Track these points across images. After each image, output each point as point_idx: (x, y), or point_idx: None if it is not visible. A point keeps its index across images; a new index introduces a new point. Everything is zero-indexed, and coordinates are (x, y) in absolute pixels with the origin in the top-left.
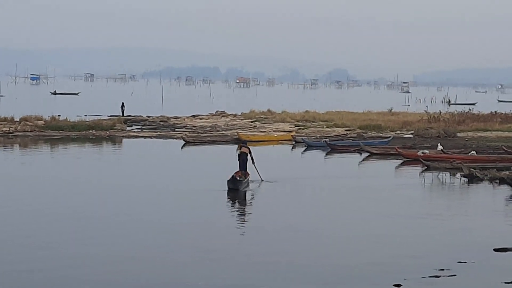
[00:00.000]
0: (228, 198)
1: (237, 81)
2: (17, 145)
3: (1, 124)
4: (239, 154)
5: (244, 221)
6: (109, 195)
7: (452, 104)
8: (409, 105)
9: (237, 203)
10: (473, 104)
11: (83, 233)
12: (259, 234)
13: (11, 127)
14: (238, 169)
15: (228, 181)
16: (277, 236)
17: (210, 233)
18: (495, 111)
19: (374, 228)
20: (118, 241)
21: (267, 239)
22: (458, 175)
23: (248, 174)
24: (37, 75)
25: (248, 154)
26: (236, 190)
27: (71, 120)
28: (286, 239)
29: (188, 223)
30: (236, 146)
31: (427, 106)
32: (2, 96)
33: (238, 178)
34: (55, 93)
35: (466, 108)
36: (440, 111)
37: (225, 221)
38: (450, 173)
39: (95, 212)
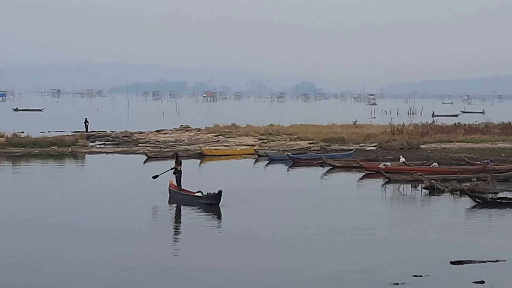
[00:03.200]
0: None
1: (204, 95)
2: None
3: None
4: (174, 172)
5: (187, 239)
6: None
7: (436, 115)
8: (374, 117)
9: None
10: (456, 115)
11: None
12: (209, 250)
13: None
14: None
15: (211, 196)
16: (229, 251)
17: (158, 250)
18: (459, 122)
19: (329, 243)
20: (75, 254)
21: (216, 254)
22: (419, 187)
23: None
24: (3, 91)
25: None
26: (217, 205)
27: (33, 137)
28: (239, 254)
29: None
30: (199, 160)
31: (391, 118)
32: None
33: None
34: (17, 110)
35: (450, 119)
36: (403, 123)
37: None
38: (411, 185)
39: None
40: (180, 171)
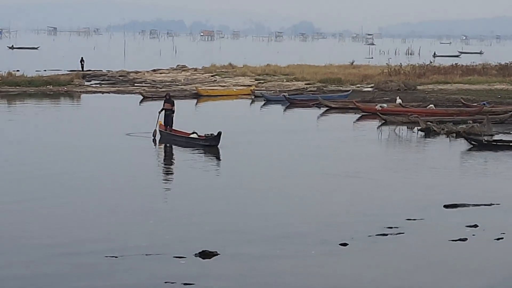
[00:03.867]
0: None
1: (202, 34)
2: None
3: None
4: (166, 112)
5: (182, 181)
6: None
7: (437, 56)
8: (372, 58)
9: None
10: (457, 56)
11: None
12: (203, 194)
13: None
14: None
15: (211, 138)
16: (222, 194)
17: (151, 193)
18: (456, 63)
19: (322, 186)
20: (64, 200)
21: (210, 198)
22: (415, 129)
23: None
24: None
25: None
26: (216, 147)
27: (28, 76)
28: (232, 198)
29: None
30: (195, 101)
31: (389, 59)
32: None
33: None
34: (12, 48)
35: (449, 60)
36: (400, 63)
37: (162, 182)
38: (407, 127)
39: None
40: (173, 111)
